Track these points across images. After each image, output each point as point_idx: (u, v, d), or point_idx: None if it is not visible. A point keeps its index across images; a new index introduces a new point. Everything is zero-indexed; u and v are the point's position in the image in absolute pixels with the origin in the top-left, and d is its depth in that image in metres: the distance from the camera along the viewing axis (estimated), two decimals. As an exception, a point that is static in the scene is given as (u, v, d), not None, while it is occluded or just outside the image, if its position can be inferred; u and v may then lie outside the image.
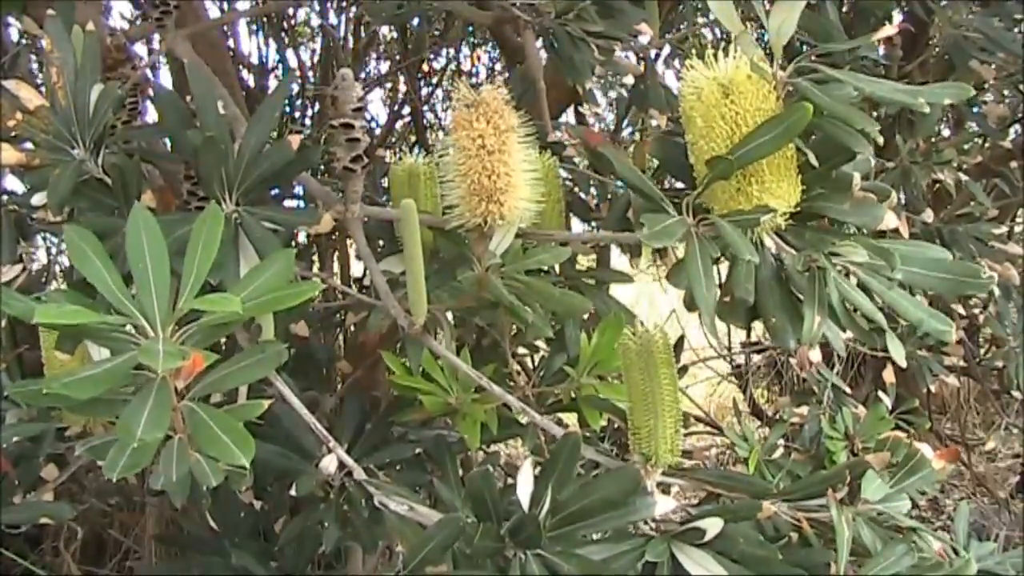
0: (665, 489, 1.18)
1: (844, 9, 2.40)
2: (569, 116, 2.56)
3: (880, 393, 2.02)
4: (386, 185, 1.91)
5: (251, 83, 3.17)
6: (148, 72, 1.56)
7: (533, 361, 2.11)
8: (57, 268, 2.75)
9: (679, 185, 1.14)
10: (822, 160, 1.01)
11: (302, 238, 2.73)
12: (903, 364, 1.06)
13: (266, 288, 0.98)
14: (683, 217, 1.03)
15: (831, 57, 1.05)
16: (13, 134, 1.19)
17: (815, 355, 1.09)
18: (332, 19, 3.31)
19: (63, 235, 0.97)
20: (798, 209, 1.04)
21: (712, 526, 1.06)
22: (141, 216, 0.96)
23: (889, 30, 1.08)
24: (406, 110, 3.52)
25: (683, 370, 2.15)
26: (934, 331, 0.99)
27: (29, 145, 1.19)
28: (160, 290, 0.93)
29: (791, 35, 1.01)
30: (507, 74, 2.94)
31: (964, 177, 2.14)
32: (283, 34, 3.37)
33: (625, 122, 3.13)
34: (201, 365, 0.91)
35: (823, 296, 0.99)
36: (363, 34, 3.42)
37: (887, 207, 1.02)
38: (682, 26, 2.48)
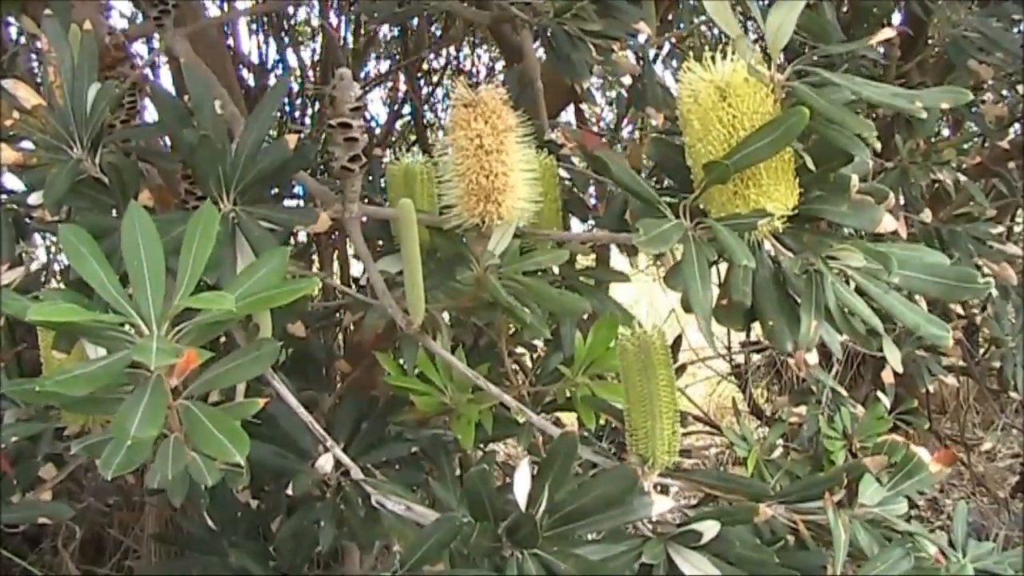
0: (663, 490, 1.17)
1: (843, 7, 2.40)
2: (569, 115, 2.55)
3: (879, 393, 2.02)
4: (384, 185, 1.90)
5: (251, 82, 3.17)
6: (148, 71, 1.56)
7: (531, 360, 2.10)
8: (56, 267, 2.74)
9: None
10: (819, 164, 1.01)
11: (302, 237, 2.73)
12: (899, 368, 1.06)
13: (260, 286, 0.98)
14: (680, 221, 1.02)
15: (828, 57, 1.04)
16: (11, 133, 1.19)
17: (812, 358, 1.09)
18: (332, 19, 3.31)
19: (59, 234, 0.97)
20: (795, 212, 1.04)
21: (709, 528, 1.06)
22: (136, 214, 0.95)
23: (887, 33, 1.07)
24: (406, 109, 3.52)
25: (682, 369, 2.14)
26: (931, 336, 0.99)
27: (27, 144, 1.19)
28: (155, 288, 0.93)
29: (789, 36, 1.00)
30: (507, 73, 2.94)
31: (963, 177, 2.14)
32: (283, 33, 3.37)
33: (625, 121, 3.12)
34: (194, 362, 0.90)
35: (820, 300, 0.99)
36: (363, 34, 3.42)
37: (884, 209, 1.01)
38: (680, 25, 2.48)
